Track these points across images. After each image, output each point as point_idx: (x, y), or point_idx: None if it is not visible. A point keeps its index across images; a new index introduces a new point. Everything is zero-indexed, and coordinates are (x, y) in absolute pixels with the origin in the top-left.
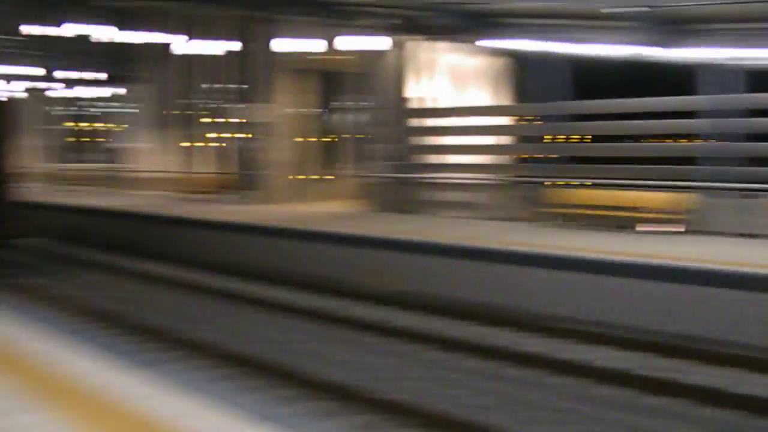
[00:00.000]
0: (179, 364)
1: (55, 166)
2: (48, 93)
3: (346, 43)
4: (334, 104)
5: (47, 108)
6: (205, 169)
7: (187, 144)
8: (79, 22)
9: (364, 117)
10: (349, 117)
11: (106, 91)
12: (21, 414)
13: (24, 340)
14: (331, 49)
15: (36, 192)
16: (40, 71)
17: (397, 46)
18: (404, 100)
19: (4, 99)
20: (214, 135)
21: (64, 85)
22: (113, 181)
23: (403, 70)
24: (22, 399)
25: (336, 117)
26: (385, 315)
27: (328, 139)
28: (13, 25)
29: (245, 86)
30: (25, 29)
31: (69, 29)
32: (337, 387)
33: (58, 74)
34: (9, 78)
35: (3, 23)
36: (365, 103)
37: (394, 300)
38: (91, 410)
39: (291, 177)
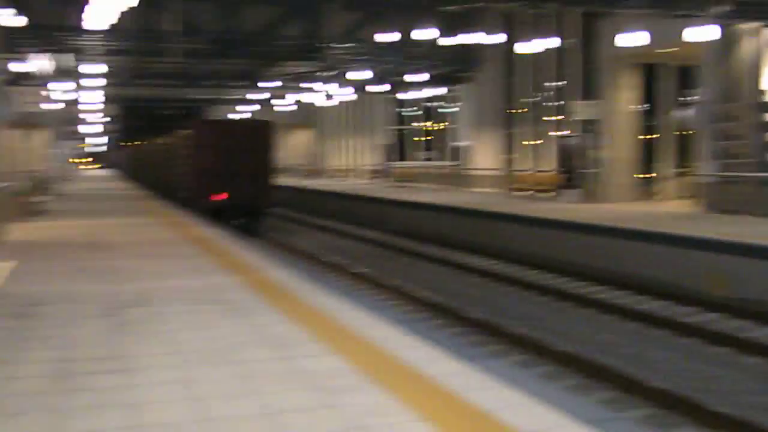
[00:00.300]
0: (504, 359)
1: (394, 164)
2: (387, 95)
3: (686, 34)
4: (671, 99)
5: (388, 109)
6: (536, 166)
7: (521, 142)
8: (422, 27)
9: (698, 112)
10: (682, 113)
11: (442, 91)
12: (352, 393)
13: (355, 324)
14: (665, 42)
15: (372, 188)
16: (375, 74)
17: (750, 34)
18: (760, 92)
19: (268, 120)
20: (546, 132)
21: (392, 85)
22: (447, 178)
23: (759, 60)
24: (354, 378)
25: (668, 113)
26: (733, 325)
27: (658, 136)
28: (362, 34)
29: (579, 83)
30: (378, 37)
31: (416, 35)
32: (664, 395)
33: (394, 77)
34: (354, 84)
35: (356, 32)
36: (700, 98)
37: (738, 309)
38: (418, 395)
39: (622, 175)
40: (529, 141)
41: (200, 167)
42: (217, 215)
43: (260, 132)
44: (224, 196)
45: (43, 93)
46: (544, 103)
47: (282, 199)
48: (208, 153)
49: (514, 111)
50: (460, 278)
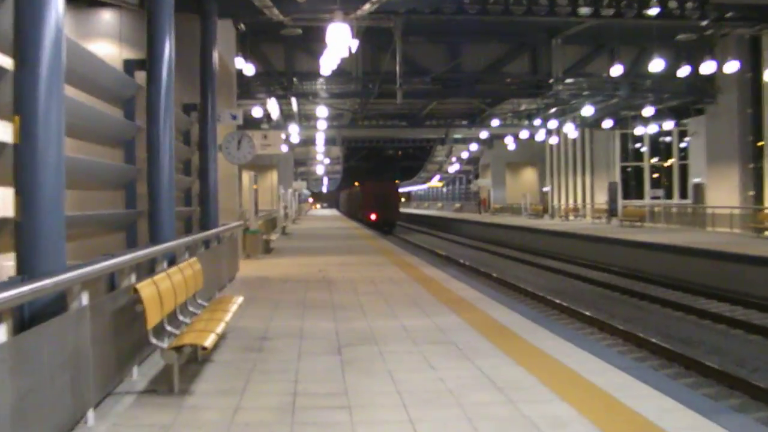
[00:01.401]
0: (747, 415)
1: (621, 203)
2: (613, 130)
3: None
4: None
5: (614, 145)
6: None
7: (764, 177)
8: (652, 58)
9: None
10: None
11: (671, 125)
12: None
13: (583, 369)
14: None
15: (599, 228)
16: (601, 109)
17: None
18: None
19: (396, 180)
20: None
21: (618, 121)
22: (679, 218)
23: None
24: (583, 429)
25: None
26: None
27: None
28: (588, 68)
29: None
30: (613, 71)
31: (646, 66)
32: None
33: (620, 112)
34: (579, 119)
35: (582, 66)
36: None
37: None
38: None
39: None
40: None
41: (364, 203)
42: (372, 225)
43: (392, 186)
44: (375, 216)
45: (272, 136)
46: None
47: (501, 239)
48: (368, 196)
49: (757, 143)
50: (695, 324)
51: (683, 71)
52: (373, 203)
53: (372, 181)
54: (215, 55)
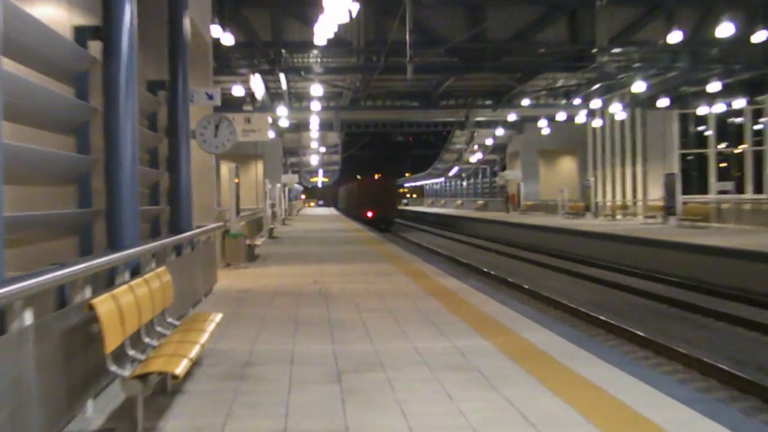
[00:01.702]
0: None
1: (681, 198)
2: (670, 110)
3: None
4: None
5: (671, 128)
6: None
7: None
8: (719, 22)
9: None
10: None
11: (742, 104)
12: None
13: (636, 401)
14: None
15: (652, 230)
16: (655, 85)
17: None
18: None
19: (393, 177)
20: None
21: (677, 98)
22: (755, 216)
23: None
24: None
25: None
26: None
27: None
28: (639, 35)
29: None
30: (671, 38)
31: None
32: None
33: (679, 88)
34: (629, 98)
35: (631, 33)
36: None
37: None
38: None
39: None
40: None
41: (361, 200)
42: (369, 223)
43: (389, 182)
44: (372, 213)
45: (256, 119)
46: None
47: (534, 243)
48: (364, 193)
49: None
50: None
51: (759, 36)
52: (370, 200)
53: (368, 177)
54: (186, 22)
